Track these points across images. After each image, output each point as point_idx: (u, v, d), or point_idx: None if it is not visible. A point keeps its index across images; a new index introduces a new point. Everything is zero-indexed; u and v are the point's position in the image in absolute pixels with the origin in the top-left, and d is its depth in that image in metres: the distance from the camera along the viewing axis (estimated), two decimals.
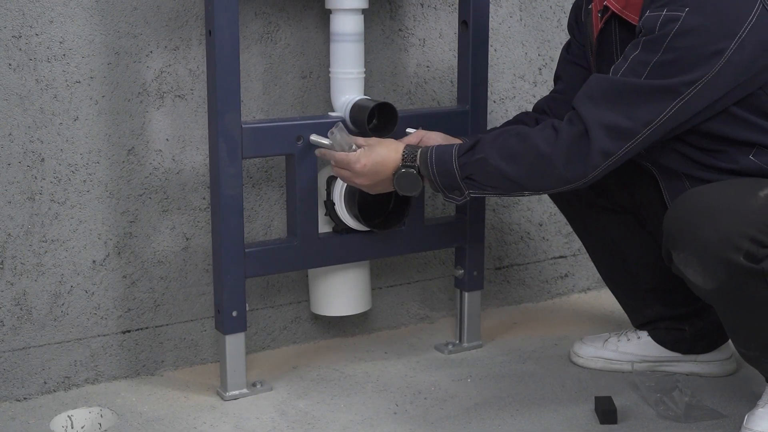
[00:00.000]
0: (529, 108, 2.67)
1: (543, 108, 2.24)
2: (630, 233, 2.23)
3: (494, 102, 2.61)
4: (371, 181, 2.00)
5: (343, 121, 2.14)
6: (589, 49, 2.11)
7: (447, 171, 1.93)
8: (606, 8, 1.98)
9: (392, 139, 2.05)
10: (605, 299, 2.76)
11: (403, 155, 1.97)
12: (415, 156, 1.97)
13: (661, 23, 1.79)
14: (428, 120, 2.24)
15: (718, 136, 1.87)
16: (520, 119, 2.22)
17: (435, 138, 2.10)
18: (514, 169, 1.88)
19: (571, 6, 2.32)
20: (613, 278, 2.31)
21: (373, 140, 2.03)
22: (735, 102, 1.83)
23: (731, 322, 1.85)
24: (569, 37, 2.26)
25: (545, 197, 2.73)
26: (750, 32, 1.76)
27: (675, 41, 1.77)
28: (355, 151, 2.01)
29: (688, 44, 1.77)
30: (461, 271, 2.40)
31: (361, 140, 2.04)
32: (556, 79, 2.28)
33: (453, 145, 1.96)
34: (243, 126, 2.05)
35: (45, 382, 2.16)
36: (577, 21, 2.20)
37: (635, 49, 1.83)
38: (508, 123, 2.23)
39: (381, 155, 1.99)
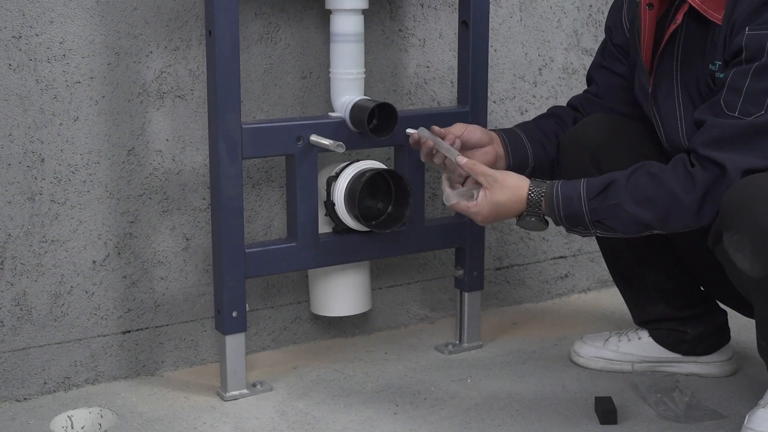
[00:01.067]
0: (527, 107, 2.67)
1: (577, 106, 2.22)
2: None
3: (494, 102, 2.61)
4: (490, 222, 1.96)
5: (344, 122, 2.15)
6: (635, 44, 2.05)
7: (575, 214, 1.88)
8: (681, 2, 1.90)
9: (516, 177, 1.94)
10: (605, 299, 2.76)
11: (528, 201, 1.91)
12: (541, 202, 1.90)
13: None
14: (428, 120, 2.24)
15: None
16: (557, 113, 2.20)
17: (474, 132, 2.09)
18: (648, 214, 1.84)
19: (571, 7, 2.31)
20: (621, 274, 2.28)
21: (495, 176, 1.92)
22: None
23: (764, 313, 1.82)
24: (576, 36, 2.22)
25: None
26: None
27: None
28: (473, 195, 1.95)
29: None
30: (461, 272, 2.40)
31: (481, 177, 1.93)
32: (589, 80, 2.25)
33: (580, 183, 1.89)
34: (243, 126, 2.05)
35: (45, 383, 2.16)
36: (617, 23, 2.15)
37: (746, 79, 1.77)
38: (542, 117, 2.22)
39: (502, 203, 1.92)
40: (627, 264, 2.26)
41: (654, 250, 2.21)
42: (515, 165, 2.13)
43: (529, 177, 1.95)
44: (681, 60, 1.95)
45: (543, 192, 1.91)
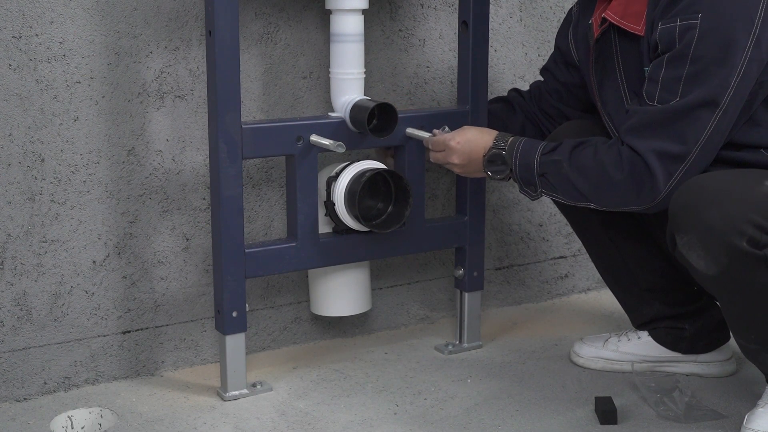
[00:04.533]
0: None
1: (523, 93, 2.38)
2: (629, 232, 2.24)
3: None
4: (464, 159, 2.09)
5: (343, 121, 2.15)
6: (587, 63, 2.14)
7: (527, 165, 2.01)
8: (604, 19, 2.00)
9: (485, 128, 2.16)
10: (605, 299, 2.76)
11: (495, 138, 2.06)
12: (506, 142, 2.05)
13: (679, 34, 1.82)
14: (428, 120, 2.24)
15: (734, 140, 1.90)
16: (504, 99, 2.37)
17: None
18: (582, 182, 1.94)
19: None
20: (612, 277, 2.31)
21: (462, 128, 2.15)
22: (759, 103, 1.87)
23: (732, 311, 1.86)
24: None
25: (546, 197, 2.73)
26: (762, 27, 1.79)
27: (698, 49, 1.80)
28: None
29: (709, 49, 1.80)
30: (461, 272, 2.40)
31: (449, 135, 2.14)
32: (542, 74, 2.37)
33: (540, 142, 2.03)
34: (243, 126, 2.05)
35: (45, 383, 2.16)
36: (564, 41, 2.26)
37: (661, 68, 1.86)
38: (496, 99, 2.37)
39: (474, 135, 2.10)
40: (616, 265, 2.27)
41: (641, 249, 2.23)
42: None
43: None
44: (624, 73, 2.03)
45: (509, 137, 2.07)
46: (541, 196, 2.03)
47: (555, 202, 2.33)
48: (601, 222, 2.24)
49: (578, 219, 2.30)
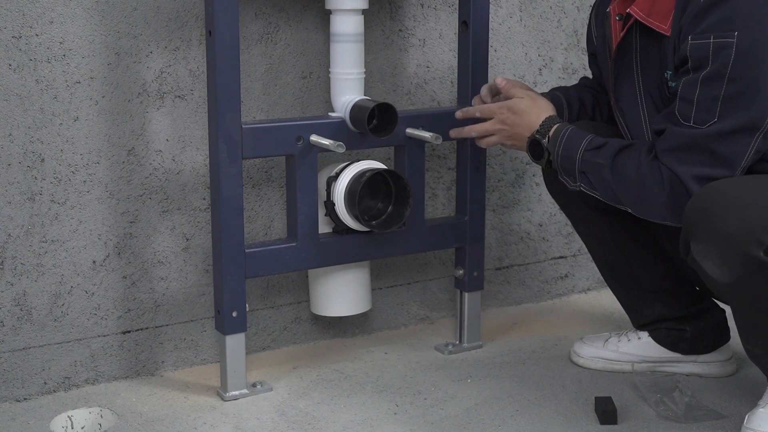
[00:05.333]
0: None
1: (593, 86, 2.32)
2: (632, 233, 2.23)
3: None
4: (507, 141, 2.10)
5: (343, 122, 2.15)
6: (605, 54, 2.11)
7: (569, 158, 1.98)
8: (629, 15, 1.96)
9: (546, 102, 2.10)
10: (605, 300, 2.76)
11: (542, 122, 2.04)
12: (551, 128, 2.02)
13: (714, 52, 1.78)
14: (428, 120, 2.24)
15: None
16: (585, 84, 2.32)
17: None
18: (620, 190, 1.92)
19: (571, 7, 2.33)
20: (614, 278, 2.31)
21: (530, 93, 2.10)
22: None
23: (742, 318, 1.84)
24: (576, 36, 2.27)
25: (546, 197, 2.73)
26: None
27: (735, 70, 1.76)
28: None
29: (748, 71, 1.76)
30: (461, 272, 2.40)
31: (519, 92, 2.11)
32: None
33: (586, 135, 1.98)
34: (243, 126, 2.05)
35: (45, 383, 2.16)
36: (588, 32, 2.22)
37: (695, 88, 1.81)
38: (575, 87, 2.31)
39: (522, 109, 2.07)
40: (619, 266, 2.27)
41: (644, 250, 2.22)
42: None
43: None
44: (641, 70, 2.00)
45: (557, 122, 2.03)
46: (579, 189, 2.01)
47: (557, 202, 2.33)
48: (605, 223, 2.24)
49: (580, 219, 2.29)
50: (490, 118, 2.12)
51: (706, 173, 1.82)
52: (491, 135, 2.12)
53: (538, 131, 2.03)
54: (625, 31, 1.98)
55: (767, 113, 1.78)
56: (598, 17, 2.16)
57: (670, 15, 1.88)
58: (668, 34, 1.89)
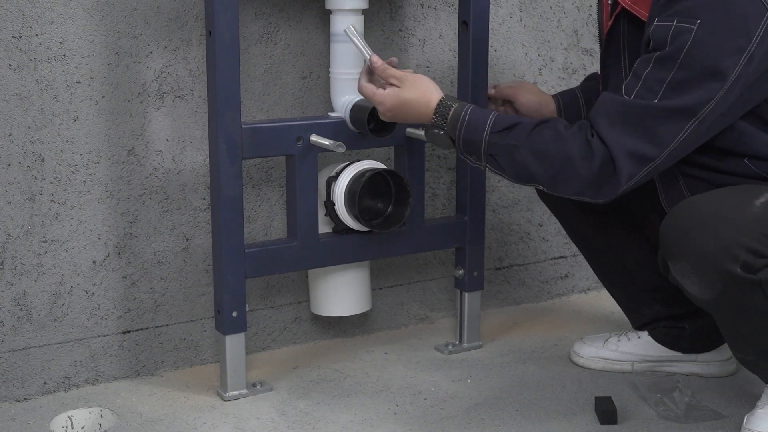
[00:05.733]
0: None
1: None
2: (625, 234, 2.23)
3: None
4: (394, 117, 1.97)
5: (343, 121, 2.15)
6: (599, 42, 2.11)
7: (474, 142, 1.88)
8: (616, 3, 1.96)
9: (429, 83, 1.96)
10: (605, 299, 2.76)
11: (435, 110, 1.92)
12: (447, 115, 1.91)
13: (672, 35, 1.77)
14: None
15: (717, 147, 1.88)
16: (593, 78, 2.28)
17: (523, 94, 2.18)
18: (539, 168, 1.84)
19: (571, 7, 2.33)
20: (610, 280, 2.31)
21: (406, 77, 1.96)
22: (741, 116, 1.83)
23: (728, 330, 1.85)
24: (576, 36, 2.26)
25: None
26: (758, 45, 1.74)
27: (688, 57, 1.75)
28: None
29: (700, 60, 1.75)
30: (461, 272, 2.40)
31: (392, 79, 1.97)
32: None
33: (490, 114, 1.89)
34: (243, 126, 2.05)
35: (45, 383, 2.16)
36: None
37: (647, 66, 1.80)
38: (586, 80, 2.29)
39: (408, 100, 1.95)
40: (614, 268, 2.27)
41: (637, 250, 2.23)
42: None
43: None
44: (628, 59, 1.98)
45: (452, 107, 1.92)
46: (483, 169, 1.93)
47: (549, 207, 2.33)
48: (597, 225, 2.24)
49: (573, 222, 2.29)
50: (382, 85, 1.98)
51: (635, 148, 1.78)
52: (374, 95, 1.97)
53: (433, 121, 1.92)
54: (613, 19, 1.98)
55: (708, 102, 1.76)
56: (598, 5, 2.16)
57: (650, 1, 1.87)
58: (646, 20, 1.89)
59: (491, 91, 2.26)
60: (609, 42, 2.03)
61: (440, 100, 1.93)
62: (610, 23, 2.00)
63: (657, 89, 1.78)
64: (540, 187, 1.90)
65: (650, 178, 1.84)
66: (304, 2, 2.30)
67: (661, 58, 1.78)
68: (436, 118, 1.93)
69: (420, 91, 1.95)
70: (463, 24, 2.27)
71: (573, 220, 2.28)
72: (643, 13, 1.90)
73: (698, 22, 1.74)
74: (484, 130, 1.88)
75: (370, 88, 1.98)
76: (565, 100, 2.24)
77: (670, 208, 2.00)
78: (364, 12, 2.19)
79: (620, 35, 2.00)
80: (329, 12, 2.19)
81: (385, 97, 1.95)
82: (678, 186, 1.95)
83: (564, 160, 1.82)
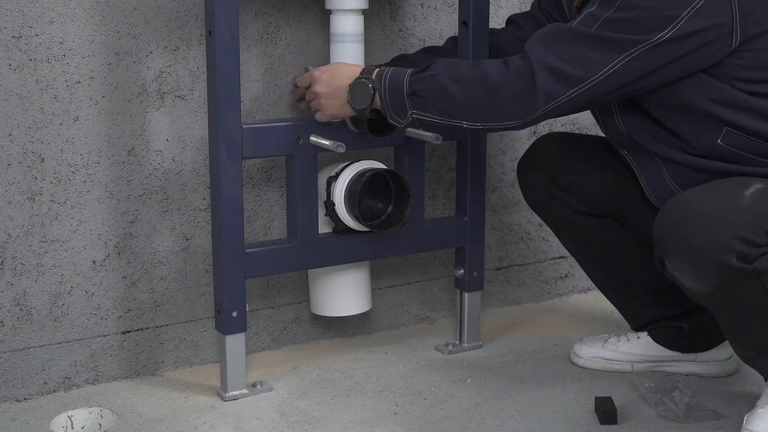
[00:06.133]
0: None
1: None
2: (616, 236, 2.24)
3: None
4: (326, 87, 2.03)
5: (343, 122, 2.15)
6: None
7: (397, 88, 1.94)
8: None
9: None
10: (605, 299, 2.74)
11: (363, 70, 2.00)
12: (372, 71, 1.99)
13: None
14: None
15: (688, 108, 1.87)
16: (440, 51, 2.30)
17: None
18: (459, 90, 1.88)
19: None
20: (606, 285, 2.32)
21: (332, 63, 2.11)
22: (693, 73, 1.83)
23: (727, 325, 1.85)
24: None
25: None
26: (705, 3, 1.75)
27: (628, 1, 1.78)
28: None
29: (641, 6, 1.77)
30: (461, 272, 2.40)
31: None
32: (510, 23, 2.32)
33: (410, 67, 1.97)
34: (243, 126, 2.05)
35: (45, 383, 2.16)
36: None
37: (591, 6, 1.84)
38: (426, 51, 2.31)
39: (341, 65, 2.06)
40: (609, 273, 2.28)
41: (630, 252, 2.23)
42: None
43: None
44: None
45: (377, 67, 2.01)
46: (411, 120, 1.95)
47: (536, 212, 2.33)
48: (588, 229, 2.24)
49: (564, 228, 2.29)
50: (308, 86, 2.10)
51: (559, 66, 1.81)
52: (313, 99, 2.08)
53: (360, 77, 1.99)
54: (578, 5, 2.00)
55: (640, 43, 1.77)
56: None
57: None
58: None
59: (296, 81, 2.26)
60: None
61: (367, 64, 2.04)
62: (577, 4, 2.01)
63: (593, 23, 1.81)
64: (465, 124, 1.90)
65: (573, 107, 1.85)
66: (304, 2, 2.30)
67: (603, 0, 1.81)
68: (363, 73, 1.99)
69: (347, 65, 2.07)
70: (463, 24, 2.27)
71: (564, 226, 2.28)
72: None
73: None
74: (405, 72, 1.95)
75: (307, 75, 2.10)
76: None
77: (656, 199, 2.01)
78: (364, 12, 2.19)
79: None
80: (329, 12, 2.19)
81: (320, 71, 2.05)
82: (659, 173, 1.96)
83: (480, 78, 1.86)
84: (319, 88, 2.05)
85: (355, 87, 2.00)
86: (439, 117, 1.93)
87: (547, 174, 2.23)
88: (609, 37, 1.79)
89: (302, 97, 2.20)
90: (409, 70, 1.95)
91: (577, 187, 2.21)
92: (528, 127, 1.89)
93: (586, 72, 1.80)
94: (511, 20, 2.33)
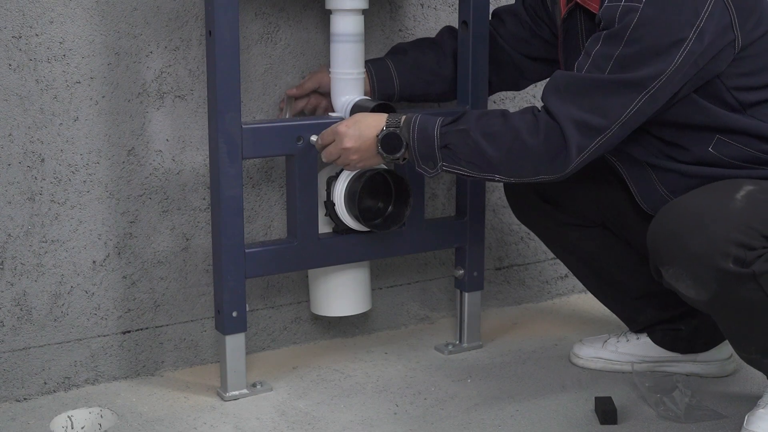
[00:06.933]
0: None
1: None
2: (607, 244, 2.24)
3: (494, 102, 2.61)
4: (356, 141, 1.97)
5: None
6: (556, 36, 2.12)
7: (427, 138, 1.91)
8: None
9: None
10: None
11: (387, 119, 1.96)
12: (400, 120, 1.95)
13: (620, 14, 1.79)
14: None
15: (678, 123, 1.88)
16: (439, 44, 2.30)
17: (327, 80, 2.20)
18: (493, 148, 1.87)
19: None
20: (602, 292, 2.32)
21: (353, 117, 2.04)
22: (695, 90, 1.84)
23: (729, 329, 1.85)
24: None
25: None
26: (707, 20, 1.76)
27: (635, 33, 1.77)
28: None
29: (648, 36, 1.77)
30: (461, 272, 2.40)
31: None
32: (493, 15, 2.32)
33: (439, 115, 1.95)
34: (243, 126, 2.05)
35: (45, 383, 2.16)
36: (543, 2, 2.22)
37: (596, 44, 1.82)
38: (424, 46, 2.30)
39: (363, 116, 2.00)
40: (604, 280, 2.28)
41: (623, 258, 2.24)
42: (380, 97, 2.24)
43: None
44: (578, 51, 1.98)
45: (403, 115, 1.96)
46: (441, 171, 1.94)
47: (527, 226, 2.33)
48: (579, 239, 2.24)
49: (556, 240, 2.30)
50: (332, 140, 2.01)
51: (585, 119, 1.80)
52: (340, 155, 2.01)
53: (386, 126, 1.95)
54: (566, 11, 2.00)
55: (656, 77, 1.77)
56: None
57: None
58: (597, 12, 1.90)
59: (293, 91, 2.24)
60: (566, 35, 2.04)
61: (390, 114, 1.98)
62: (563, 16, 2.01)
63: (605, 65, 1.80)
64: (498, 177, 1.90)
65: (604, 151, 1.85)
66: (304, 2, 2.30)
67: (609, 36, 1.80)
68: (390, 123, 1.95)
69: (367, 113, 2.02)
70: (463, 24, 2.27)
71: (555, 238, 2.29)
72: (593, 6, 1.92)
73: (644, 1, 1.77)
74: (435, 125, 1.91)
75: (330, 129, 2.02)
76: (380, 75, 2.24)
77: (648, 206, 2.01)
78: (364, 12, 2.19)
79: (578, 31, 2.01)
80: (329, 12, 2.19)
81: (343, 125, 1.99)
82: (650, 181, 1.96)
83: (512, 136, 1.85)
84: (348, 143, 1.97)
85: (384, 137, 1.95)
86: (470, 171, 1.91)
87: (533, 188, 2.23)
88: (626, 79, 1.79)
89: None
90: (439, 120, 1.92)
91: (564, 199, 2.22)
92: (565, 177, 1.88)
93: (609, 119, 1.81)
94: (494, 13, 2.33)
